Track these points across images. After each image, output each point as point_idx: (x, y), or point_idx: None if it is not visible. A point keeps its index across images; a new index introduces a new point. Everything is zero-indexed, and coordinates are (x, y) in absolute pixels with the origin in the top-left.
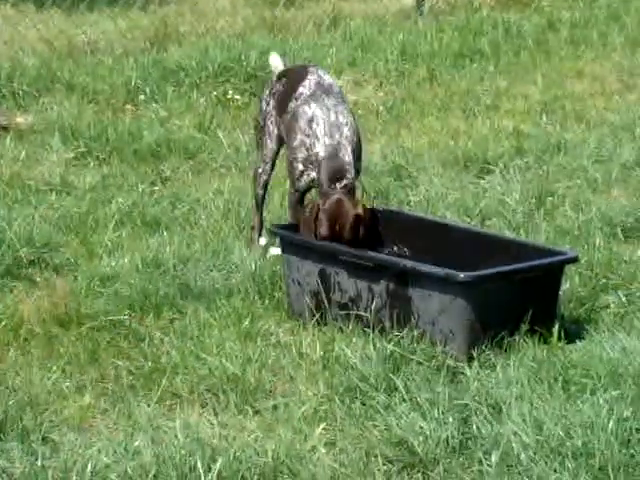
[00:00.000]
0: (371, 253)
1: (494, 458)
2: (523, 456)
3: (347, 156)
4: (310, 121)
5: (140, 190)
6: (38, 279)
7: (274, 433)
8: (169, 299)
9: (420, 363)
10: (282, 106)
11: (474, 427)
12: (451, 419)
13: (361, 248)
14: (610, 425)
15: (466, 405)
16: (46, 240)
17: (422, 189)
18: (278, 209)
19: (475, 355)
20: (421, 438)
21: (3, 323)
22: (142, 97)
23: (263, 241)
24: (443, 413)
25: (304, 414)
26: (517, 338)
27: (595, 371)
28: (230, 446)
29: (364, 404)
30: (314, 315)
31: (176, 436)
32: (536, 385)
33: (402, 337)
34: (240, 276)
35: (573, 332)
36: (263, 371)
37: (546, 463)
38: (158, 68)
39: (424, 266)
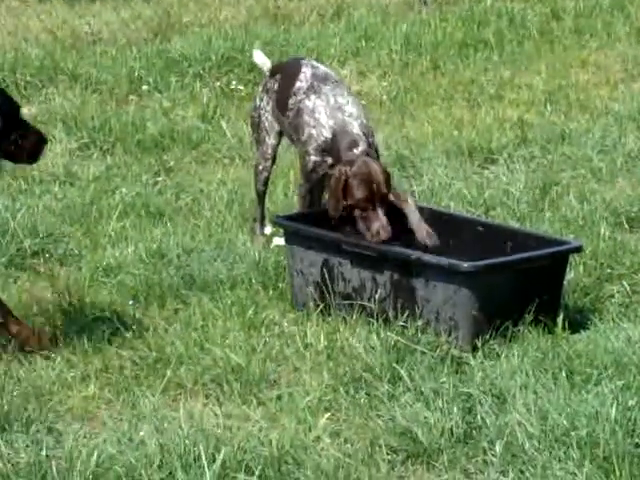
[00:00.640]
0: (374, 243)
1: (498, 448)
2: (527, 446)
3: (355, 129)
4: (312, 112)
5: (144, 181)
6: (42, 270)
7: (278, 423)
8: (173, 289)
9: (424, 353)
10: (282, 103)
11: (478, 417)
12: (455, 409)
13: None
14: (615, 415)
15: (470, 395)
16: (50, 231)
17: (426, 179)
18: (282, 200)
19: (479, 345)
20: (425, 428)
21: None
22: (145, 87)
23: (268, 230)
24: (447, 403)
25: (308, 404)
26: (521, 328)
27: (600, 361)
28: (234, 436)
29: (368, 394)
30: (318, 305)
31: (180, 426)
32: (540, 375)
33: (406, 327)
34: (244, 267)
35: (578, 322)
36: (267, 361)
37: (550, 453)
38: (161, 58)
39: (428, 256)
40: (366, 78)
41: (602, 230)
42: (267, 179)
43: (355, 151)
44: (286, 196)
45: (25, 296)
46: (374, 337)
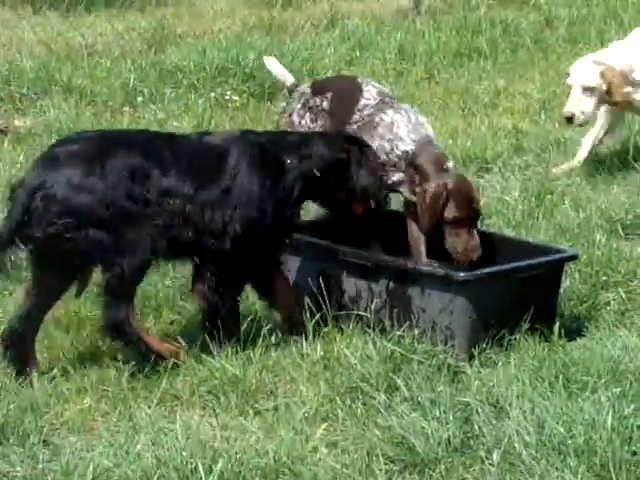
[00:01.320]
0: (370, 253)
1: (496, 457)
2: (525, 454)
3: (437, 148)
4: (390, 125)
5: None
6: None
7: (275, 434)
8: (169, 300)
9: (421, 362)
10: (340, 120)
11: (475, 426)
12: (452, 418)
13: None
14: (611, 422)
15: (467, 404)
16: None
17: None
18: None
19: (476, 354)
20: (422, 438)
21: (3, 327)
22: (140, 99)
23: None
24: (444, 412)
25: (305, 415)
26: (518, 336)
27: (596, 369)
28: (231, 447)
29: (365, 404)
30: (314, 315)
31: (177, 438)
32: (537, 383)
33: (402, 336)
34: None
35: (574, 330)
36: (264, 372)
37: (548, 461)
38: (156, 70)
39: (424, 265)
40: None
41: (597, 238)
42: None
43: (446, 167)
44: None
45: None
46: (370, 347)
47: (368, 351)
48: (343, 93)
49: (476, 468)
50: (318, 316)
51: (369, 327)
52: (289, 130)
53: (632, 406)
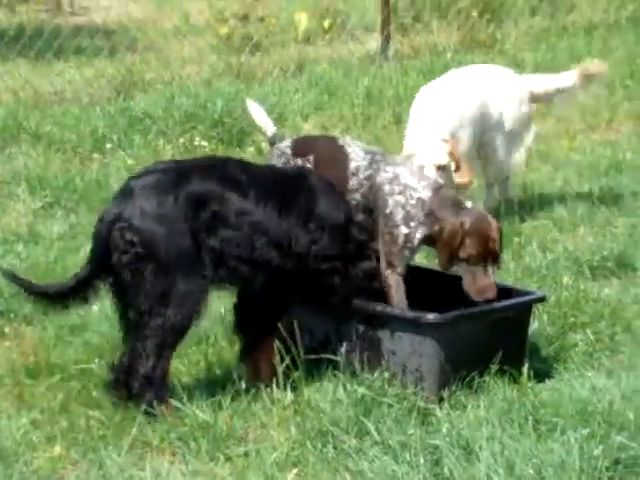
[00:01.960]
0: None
1: None
2: None
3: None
4: (395, 179)
5: None
6: (7, 329)
7: None
8: None
9: (391, 405)
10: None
11: (446, 469)
12: (423, 461)
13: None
14: (580, 464)
15: (437, 447)
16: (14, 290)
17: None
18: None
19: (446, 396)
20: None
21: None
22: (109, 145)
23: None
24: (415, 455)
25: (276, 460)
26: (487, 378)
27: (565, 410)
28: None
29: (336, 448)
30: (284, 359)
31: None
32: (507, 425)
33: (373, 380)
34: (209, 322)
35: (542, 371)
36: (234, 417)
37: None
38: (124, 116)
39: (393, 308)
40: (329, 132)
41: (565, 279)
42: None
43: (464, 207)
44: None
45: None
46: (341, 390)
47: (338, 395)
48: (326, 156)
49: None
50: (288, 360)
51: (339, 370)
52: None
53: (600, 447)
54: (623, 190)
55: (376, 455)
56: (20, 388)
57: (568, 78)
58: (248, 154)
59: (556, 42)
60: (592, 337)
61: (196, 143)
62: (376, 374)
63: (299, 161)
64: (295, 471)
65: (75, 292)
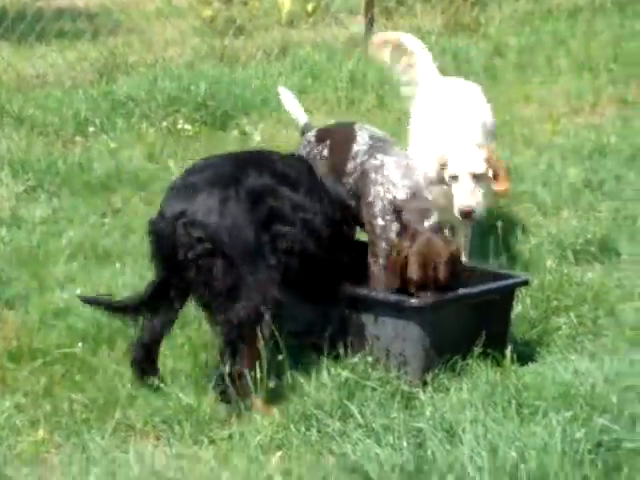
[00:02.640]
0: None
1: None
2: (478, 479)
3: (429, 196)
4: (380, 168)
5: (91, 222)
6: None
7: (230, 463)
8: (123, 331)
9: (374, 389)
10: (338, 169)
11: (429, 452)
12: (406, 444)
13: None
14: (562, 447)
15: (421, 430)
16: None
17: None
18: None
19: (429, 379)
20: (376, 464)
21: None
22: (92, 129)
23: None
24: (398, 438)
25: (260, 443)
26: (470, 362)
27: (548, 393)
28: (185, 477)
29: (319, 431)
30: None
31: (131, 468)
32: (490, 408)
33: (357, 363)
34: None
35: (526, 355)
36: (218, 401)
37: None
38: (107, 100)
39: (377, 293)
40: (313, 116)
41: (549, 263)
42: None
43: (426, 223)
44: None
45: None
46: (324, 374)
47: (322, 378)
48: (339, 140)
49: None
50: (272, 344)
51: (323, 354)
52: None
53: (583, 430)
54: (607, 174)
55: (359, 438)
56: (3, 372)
57: None
58: (231, 138)
59: (540, 25)
60: (575, 320)
61: (179, 126)
62: (359, 358)
63: (319, 147)
64: (279, 454)
65: (156, 298)
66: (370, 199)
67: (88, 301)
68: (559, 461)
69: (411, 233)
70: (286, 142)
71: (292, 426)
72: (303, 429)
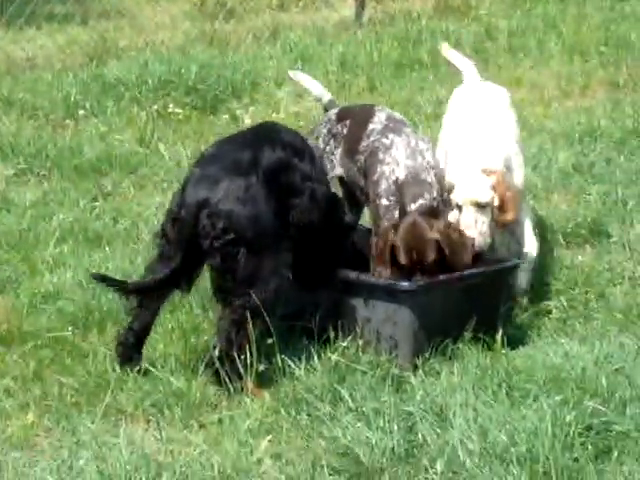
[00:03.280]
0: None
1: (439, 466)
2: (468, 463)
3: (430, 178)
4: (388, 149)
5: (81, 206)
6: None
7: (220, 447)
8: (113, 315)
9: (365, 373)
10: (352, 148)
11: (419, 435)
12: (396, 428)
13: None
14: (553, 430)
15: (411, 413)
16: None
17: None
18: None
19: (420, 363)
20: (367, 448)
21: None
22: (82, 112)
23: None
24: (389, 422)
25: (250, 427)
26: (461, 345)
27: (538, 376)
28: (176, 461)
29: (310, 415)
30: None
31: (121, 452)
32: (480, 392)
33: (347, 347)
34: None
35: (516, 338)
36: (208, 385)
37: (491, 469)
38: (98, 83)
39: (367, 276)
40: (303, 99)
41: (539, 246)
42: None
43: (413, 205)
44: None
45: None
46: (315, 358)
47: (312, 362)
48: (359, 119)
49: (420, 477)
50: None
51: (313, 338)
52: None
53: (573, 413)
54: (597, 157)
55: (350, 422)
56: None
57: None
58: (222, 121)
59: (531, 8)
60: (566, 304)
61: (170, 110)
62: (350, 341)
63: (339, 126)
64: (269, 438)
65: (170, 283)
66: (375, 178)
67: (102, 279)
68: (549, 444)
69: (396, 220)
70: None
71: (282, 410)
72: (293, 413)
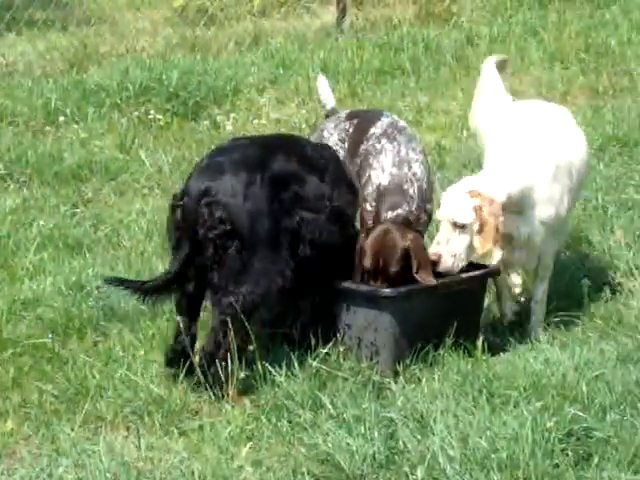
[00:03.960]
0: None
1: (420, 472)
2: (449, 469)
3: (412, 190)
4: (378, 154)
5: (62, 212)
6: None
7: (200, 454)
8: (93, 322)
9: (346, 379)
10: (354, 148)
11: (400, 442)
12: (377, 434)
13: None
14: (533, 436)
15: (392, 420)
16: None
17: None
18: None
19: (400, 370)
20: (348, 454)
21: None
22: (62, 118)
23: None
24: (369, 429)
25: (230, 434)
26: (442, 352)
27: (519, 383)
28: (156, 468)
29: (290, 422)
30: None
31: (100, 460)
32: (461, 398)
33: (328, 354)
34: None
35: (497, 345)
36: (189, 392)
37: (472, 476)
38: (78, 89)
39: (348, 283)
40: (285, 106)
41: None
42: None
43: (389, 214)
44: None
45: None
46: (295, 364)
47: (293, 369)
48: (365, 121)
49: None
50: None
51: (294, 345)
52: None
53: (553, 419)
54: None
55: (331, 429)
56: None
57: None
58: (204, 127)
59: (511, 15)
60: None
61: (151, 116)
62: (331, 348)
63: (347, 124)
64: (249, 445)
65: (182, 275)
66: (363, 181)
67: (114, 283)
68: (530, 450)
69: (371, 225)
70: (257, 132)
71: (263, 417)
72: (274, 420)
